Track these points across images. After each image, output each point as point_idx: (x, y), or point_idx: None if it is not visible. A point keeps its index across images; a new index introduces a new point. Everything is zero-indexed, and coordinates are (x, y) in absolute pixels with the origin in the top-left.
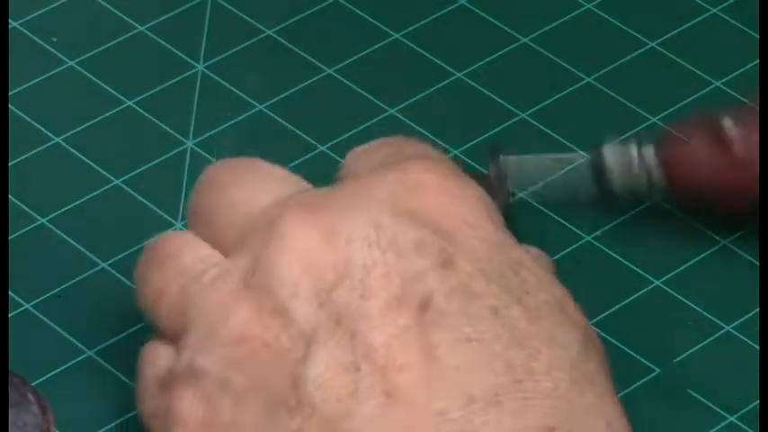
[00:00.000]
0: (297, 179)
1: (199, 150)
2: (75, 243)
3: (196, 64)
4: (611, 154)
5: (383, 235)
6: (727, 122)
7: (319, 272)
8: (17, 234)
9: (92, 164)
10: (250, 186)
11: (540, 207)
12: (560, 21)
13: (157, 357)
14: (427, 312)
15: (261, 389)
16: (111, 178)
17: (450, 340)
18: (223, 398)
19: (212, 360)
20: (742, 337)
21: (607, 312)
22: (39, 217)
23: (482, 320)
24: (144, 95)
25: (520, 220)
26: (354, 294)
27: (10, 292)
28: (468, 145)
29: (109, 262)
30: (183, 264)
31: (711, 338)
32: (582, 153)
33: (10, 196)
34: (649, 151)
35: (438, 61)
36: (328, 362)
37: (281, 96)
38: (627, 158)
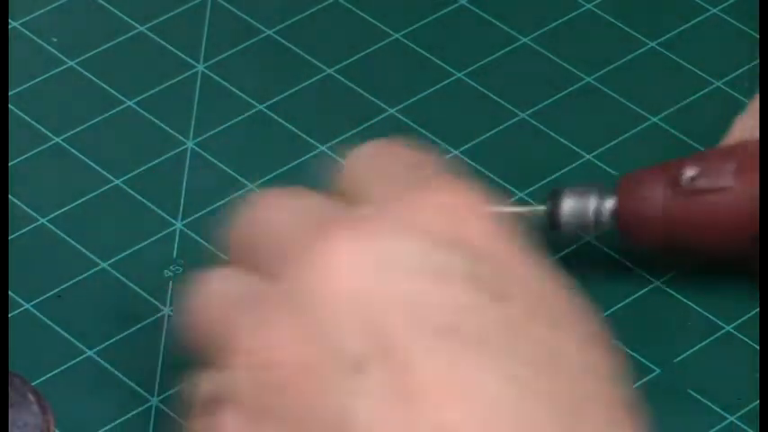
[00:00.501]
0: (336, 203)
1: (199, 150)
2: (75, 243)
3: (196, 64)
4: (568, 209)
5: (434, 264)
6: (689, 172)
7: (366, 299)
8: (17, 234)
9: (92, 164)
10: (291, 210)
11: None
12: (560, 21)
13: (201, 381)
14: (480, 347)
15: (301, 417)
16: (111, 178)
17: (503, 378)
18: (265, 424)
19: (252, 383)
20: (742, 337)
21: (607, 312)
22: (39, 217)
23: (536, 361)
24: (144, 95)
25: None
26: (404, 324)
27: (10, 292)
28: (469, 145)
29: (109, 262)
30: (223, 290)
31: (711, 338)
32: (542, 207)
33: (10, 196)
34: (606, 207)
35: (438, 61)
36: (378, 394)
37: (281, 96)
38: (583, 217)
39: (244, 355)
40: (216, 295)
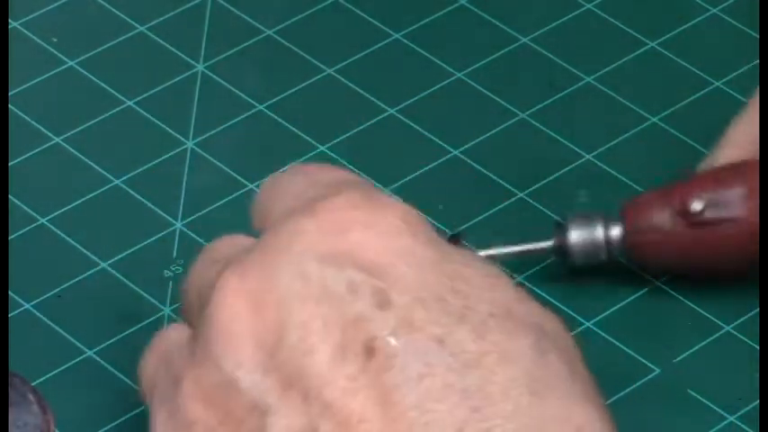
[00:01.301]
0: (247, 241)
1: (199, 150)
2: (75, 243)
3: (196, 64)
4: (577, 239)
5: (312, 285)
6: (697, 205)
7: (258, 337)
8: (17, 234)
9: (92, 164)
10: (210, 259)
11: (541, 207)
12: (560, 21)
13: None
14: (374, 356)
15: None
16: (111, 178)
17: (402, 381)
18: None
19: None
20: (742, 337)
21: (607, 312)
22: (39, 217)
23: (430, 353)
24: (144, 95)
25: (521, 222)
26: (298, 353)
27: (10, 292)
28: (469, 145)
29: (109, 262)
30: (164, 345)
31: (711, 338)
32: (546, 243)
33: (10, 196)
34: (614, 235)
35: (438, 61)
36: (286, 430)
37: (281, 96)
38: (592, 245)
39: (163, 413)
40: (156, 350)
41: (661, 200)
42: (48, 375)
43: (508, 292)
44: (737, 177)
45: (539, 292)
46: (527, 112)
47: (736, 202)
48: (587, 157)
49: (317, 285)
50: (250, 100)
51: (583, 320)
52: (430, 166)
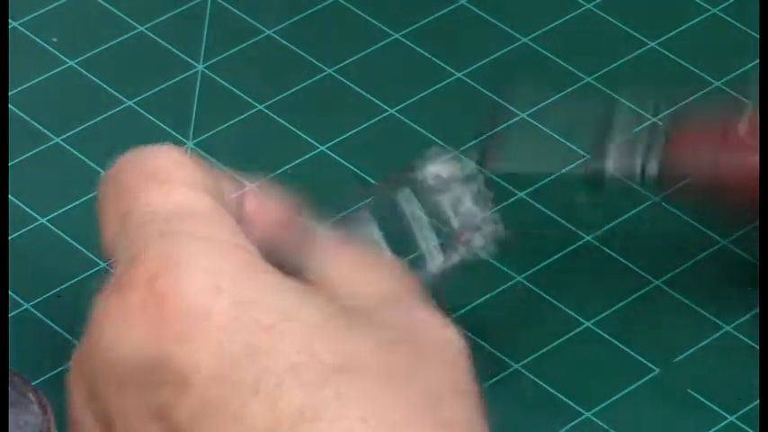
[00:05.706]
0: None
1: (199, 150)
2: (75, 243)
3: (196, 64)
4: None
5: (122, 371)
6: (742, 128)
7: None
8: (17, 234)
9: (92, 164)
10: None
11: (541, 207)
12: (560, 21)
13: None
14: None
15: None
16: None
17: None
18: None
19: None
20: (742, 337)
21: (607, 312)
22: (39, 217)
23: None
24: (144, 95)
25: (521, 220)
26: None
27: (10, 292)
28: (469, 145)
29: (109, 262)
30: None
31: (711, 338)
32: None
33: (10, 196)
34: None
35: (438, 61)
36: None
37: (281, 96)
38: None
39: None
40: None
41: (706, 128)
42: (48, 375)
43: (315, 323)
44: None
45: (538, 292)
46: (527, 112)
47: None
48: (587, 156)
49: (125, 370)
50: (250, 100)
51: (583, 320)
52: None
